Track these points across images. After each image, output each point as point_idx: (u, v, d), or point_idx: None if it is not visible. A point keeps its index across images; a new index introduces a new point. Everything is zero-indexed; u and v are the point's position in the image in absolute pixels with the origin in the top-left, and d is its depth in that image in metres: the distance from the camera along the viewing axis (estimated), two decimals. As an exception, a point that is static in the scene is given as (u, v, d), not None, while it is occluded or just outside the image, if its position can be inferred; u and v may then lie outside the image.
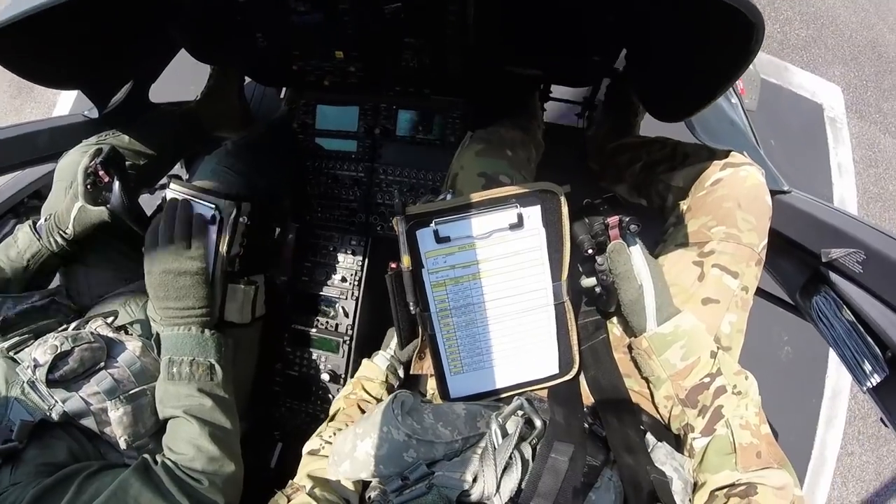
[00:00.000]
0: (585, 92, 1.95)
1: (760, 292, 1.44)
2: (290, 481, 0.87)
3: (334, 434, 0.95)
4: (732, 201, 0.97)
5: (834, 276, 1.06)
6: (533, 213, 0.83)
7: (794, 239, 1.14)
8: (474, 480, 0.73)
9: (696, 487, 0.79)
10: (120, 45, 1.32)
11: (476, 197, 0.82)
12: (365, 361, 1.15)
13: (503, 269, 0.86)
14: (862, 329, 1.01)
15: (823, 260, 1.04)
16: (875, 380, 0.99)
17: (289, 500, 0.80)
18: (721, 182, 1.01)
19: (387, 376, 1.11)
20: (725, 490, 0.75)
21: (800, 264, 1.17)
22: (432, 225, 0.82)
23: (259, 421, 1.49)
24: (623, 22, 1.06)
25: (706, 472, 0.78)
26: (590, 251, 0.91)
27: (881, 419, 1.04)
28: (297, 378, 1.54)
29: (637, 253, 0.91)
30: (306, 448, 0.96)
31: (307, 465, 0.90)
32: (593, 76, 1.27)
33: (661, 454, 0.80)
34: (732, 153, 1.05)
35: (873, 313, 0.97)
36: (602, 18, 1.07)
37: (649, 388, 0.91)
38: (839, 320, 1.06)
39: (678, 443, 0.88)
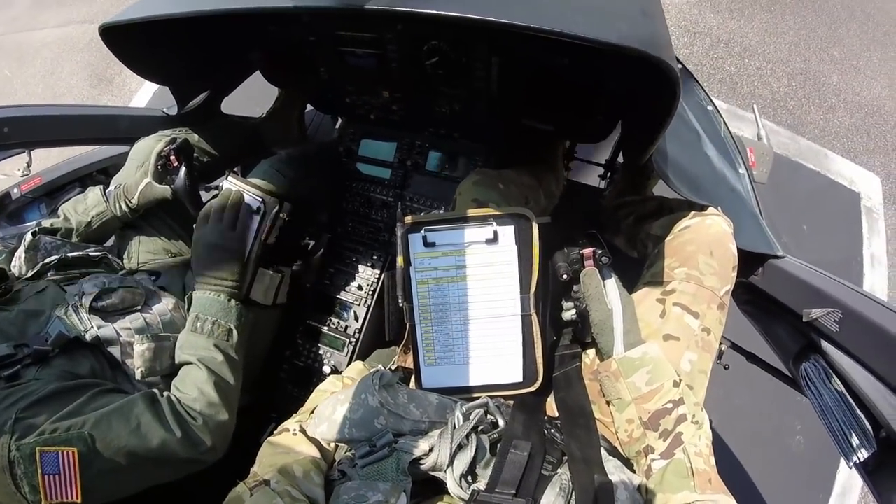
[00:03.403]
0: (609, 154, 2.10)
1: (762, 364, 1.47)
2: (252, 470, 0.89)
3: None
4: (695, 245, 1.06)
5: (825, 346, 1.07)
6: (507, 233, 0.97)
7: (783, 303, 1.18)
8: (430, 451, 0.81)
9: None
10: (211, 60, 1.58)
11: (460, 213, 0.99)
12: (358, 364, 1.24)
13: (478, 277, 1.00)
14: (851, 401, 1.01)
15: (804, 320, 1.07)
16: (862, 454, 0.98)
17: (251, 494, 0.79)
18: (688, 228, 1.10)
19: None
20: None
21: (793, 332, 1.20)
22: (422, 231, 0.98)
23: (260, 399, 1.62)
24: (620, 89, 1.23)
25: (666, 493, 0.83)
26: (565, 276, 1.03)
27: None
28: (303, 368, 1.68)
29: (611, 284, 1.01)
30: (276, 439, 0.97)
31: (275, 460, 0.89)
32: (599, 134, 1.44)
33: (611, 466, 0.86)
34: (709, 207, 1.13)
35: (865, 386, 0.98)
36: (603, 85, 1.24)
37: (611, 413, 0.98)
38: (827, 389, 1.07)
39: (628, 467, 0.95)
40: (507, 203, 1.27)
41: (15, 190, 1.82)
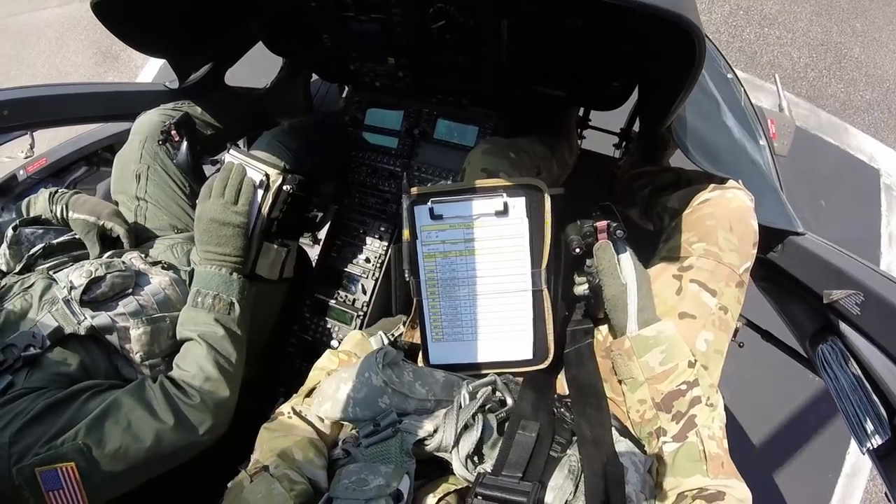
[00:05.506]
0: (624, 123, 2.03)
1: (777, 342, 1.44)
2: (254, 458, 0.89)
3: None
4: (715, 220, 1.02)
5: (844, 328, 1.05)
6: (518, 204, 0.93)
7: (803, 282, 1.15)
8: (435, 431, 0.80)
9: (662, 488, 0.82)
10: (209, 30, 1.54)
11: (468, 185, 0.95)
12: (356, 334, 1.20)
13: (487, 251, 0.96)
14: (868, 385, 0.99)
15: (825, 301, 1.04)
16: (876, 441, 0.97)
17: (251, 481, 0.80)
18: (708, 202, 1.06)
19: None
20: (695, 492, 0.78)
21: (811, 312, 1.17)
22: (429, 203, 0.95)
23: (268, 374, 1.62)
24: (638, 52, 1.16)
25: (678, 476, 0.81)
26: (578, 250, 0.99)
27: (885, 494, 1.00)
28: (310, 342, 1.68)
29: (626, 259, 0.97)
30: (273, 424, 0.97)
31: (274, 445, 0.89)
32: (615, 101, 1.38)
33: (622, 448, 0.84)
34: (729, 181, 1.09)
35: (883, 372, 0.96)
36: (619, 48, 1.18)
37: (623, 392, 0.96)
38: (844, 372, 1.05)
39: (639, 448, 0.93)
40: (518, 173, 1.23)
41: (21, 172, 1.79)
